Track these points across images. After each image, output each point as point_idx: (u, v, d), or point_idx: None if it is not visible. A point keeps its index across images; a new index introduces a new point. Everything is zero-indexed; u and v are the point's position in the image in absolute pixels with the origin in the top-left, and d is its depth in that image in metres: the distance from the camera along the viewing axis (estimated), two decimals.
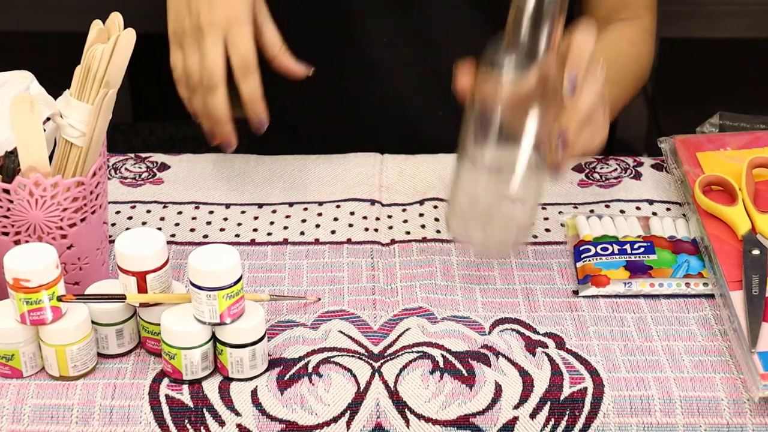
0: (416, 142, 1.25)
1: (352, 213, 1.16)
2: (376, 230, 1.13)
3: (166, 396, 0.94)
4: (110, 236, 1.09)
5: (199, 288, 0.92)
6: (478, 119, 0.99)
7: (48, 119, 0.97)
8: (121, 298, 0.95)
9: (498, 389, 0.95)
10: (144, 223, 1.15)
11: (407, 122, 1.28)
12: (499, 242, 1.03)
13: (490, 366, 0.97)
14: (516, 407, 0.94)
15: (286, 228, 1.14)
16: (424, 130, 1.28)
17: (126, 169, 1.23)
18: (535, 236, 1.13)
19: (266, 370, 0.96)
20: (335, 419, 0.93)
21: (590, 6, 1.32)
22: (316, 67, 1.17)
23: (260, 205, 1.17)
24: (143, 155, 1.25)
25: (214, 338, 0.95)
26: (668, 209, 1.17)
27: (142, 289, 0.94)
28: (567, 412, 0.94)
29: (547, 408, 0.94)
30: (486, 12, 1.24)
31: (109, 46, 0.95)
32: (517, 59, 0.97)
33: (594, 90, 0.97)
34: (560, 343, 1.00)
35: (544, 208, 1.17)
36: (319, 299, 1.04)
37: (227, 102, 1.08)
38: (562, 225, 1.15)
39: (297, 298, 1.04)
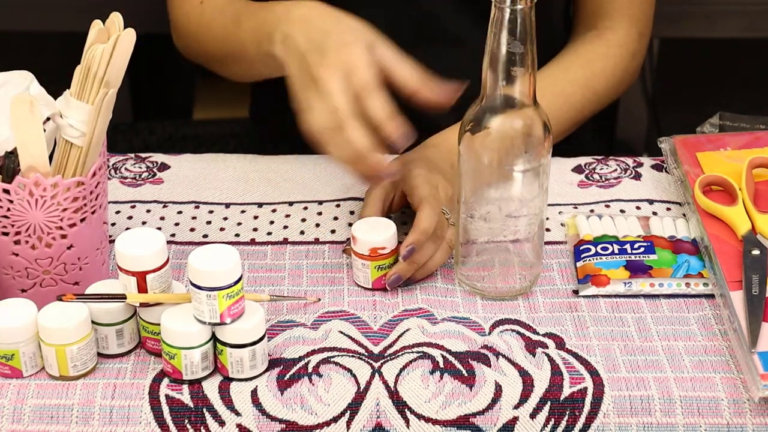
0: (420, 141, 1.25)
1: (351, 212, 1.16)
2: None
3: (166, 396, 0.94)
4: (110, 236, 1.09)
5: (199, 288, 0.92)
6: (469, 174, 1.01)
7: (48, 119, 0.97)
8: (122, 298, 0.95)
9: (498, 389, 0.95)
10: (144, 223, 1.15)
11: (418, 123, 1.28)
12: (508, 287, 1.05)
13: (490, 366, 0.97)
14: (516, 407, 0.94)
15: (286, 227, 1.14)
16: (430, 130, 1.28)
17: (126, 169, 1.23)
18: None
19: (266, 370, 0.96)
20: (335, 419, 0.93)
21: (575, 10, 1.31)
22: None
23: (260, 205, 1.17)
24: (143, 155, 1.25)
25: (214, 338, 0.95)
26: (668, 209, 1.17)
27: (142, 289, 0.94)
28: (567, 412, 0.94)
29: (547, 408, 0.94)
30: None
31: (109, 46, 0.95)
32: (494, 111, 0.99)
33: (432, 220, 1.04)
34: (560, 344, 1.00)
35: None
36: (319, 299, 1.05)
37: (364, 134, 0.99)
38: (562, 225, 1.15)
39: (297, 299, 1.04)
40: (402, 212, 1.13)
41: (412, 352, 0.98)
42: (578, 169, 1.23)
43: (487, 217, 1.02)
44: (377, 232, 1.05)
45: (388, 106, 1.00)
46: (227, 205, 1.17)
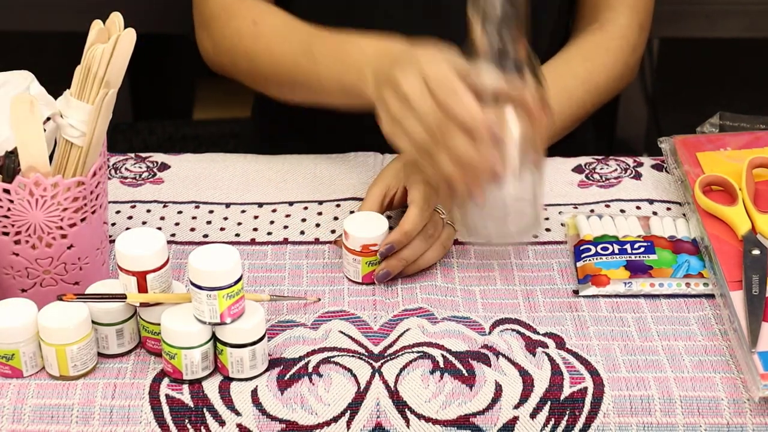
0: None
1: (352, 212, 1.16)
2: None
3: (167, 396, 0.94)
4: (110, 236, 1.09)
5: (199, 288, 0.92)
6: None
7: (48, 119, 0.97)
8: (122, 297, 0.95)
9: (498, 389, 0.95)
10: (144, 223, 1.15)
11: None
12: (510, 233, 1.06)
13: (490, 366, 0.97)
14: (516, 407, 0.94)
15: (286, 227, 1.14)
16: None
17: (126, 169, 1.23)
18: (535, 236, 1.13)
19: (266, 370, 0.96)
20: (335, 419, 0.93)
21: (578, 5, 1.31)
22: None
23: (260, 205, 1.17)
24: (143, 155, 1.25)
25: (214, 338, 0.95)
26: (668, 209, 1.17)
27: (142, 288, 0.94)
28: (567, 412, 0.94)
29: (547, 408, 0.94)
30: None
31: (109, 46, 0.95)
32: (485, 64, 0.99)
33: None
34: (560, 343, 1.00)
35: (544, 208, 1.17)
36: (319, 299, 1.05)
37: (472, 146, 0.96)
38: (562, 225, 1.15)
39: (297, 299, 1.04)
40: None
41: (413, 352, 0.98)
42: (578, 169, 1.23)
43: None
44: (369, 228, 1.06)
45: (477, 106, 0.96)
46: (227, 205, 1.17)
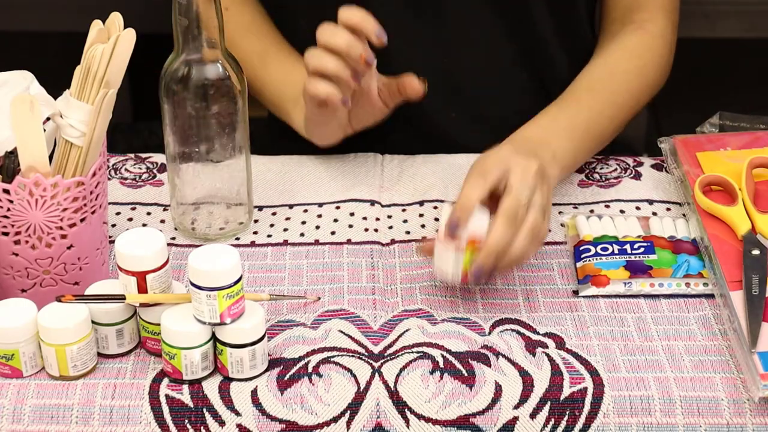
0: (426, 142, 1.25)
1: (351, 214, 1.16)
2: (376, 230, 1.13)
3: (166, 396, 0.94)
4: (110, 237, 1.09)
5: (199, 288, 0.92)
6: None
7: (48, 119, 0.97)
8: (121, 298, 0.95)
9: (498, 389, 0.95)
10: (144, 225, 1.15)
11: (420, 122, 1.27)
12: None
13: (490, 366, 0.97)
14: (516, 407, 0.94)
15: (286, 230, 1.14)
16: (436, 131, 1.27)
17: (126, 169, 1.23)
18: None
19: (266, 370, 0.96)
20: (335, 419, 0.93)
21: (606, 7, 1.29)
22: None
23: (260, 208, 1.17)
24: (143, 155, 1.25)
25: (214, 338, 0.95)
26: (668, 209, 1.17)
27: (142, 289, 0.94)
28: (567, 412, 0.94)
29: (547, 408, 0.94)
30: (502, 14, 1.24)
31: (109, 46, 0.95)
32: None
33: (505, 232, 0.99)
34: (560, 343, 1.00)
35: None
36: (319, 298, 1.05)
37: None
38: (562, 225, 1.15)
39: (297, 298, 1.04)
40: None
41: (412, 352, 0.98)
42: (578, 169, 1.23)
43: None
44: (473, 220, 1.00)
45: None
46: (227, 206, 1.17)
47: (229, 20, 1.17)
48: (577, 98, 1.19)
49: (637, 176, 1.22)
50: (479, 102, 1.27)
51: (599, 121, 1.18)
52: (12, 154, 0.97)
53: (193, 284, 0.92)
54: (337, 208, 1.17)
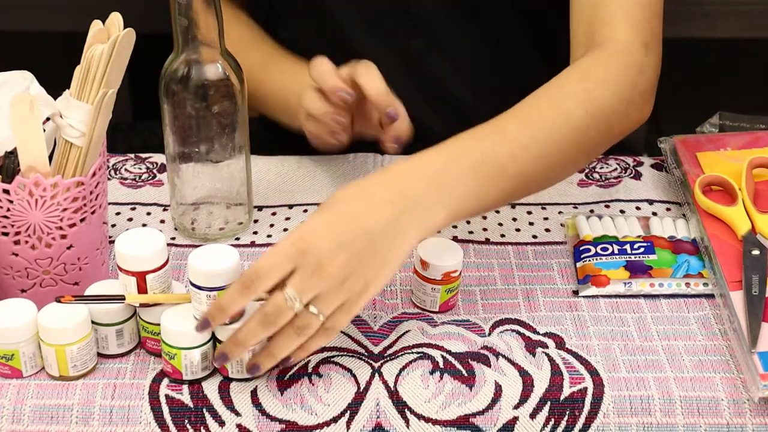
0: (425, 143, 1.25)
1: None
2: None
3: (166, 396, 0.94)
4: (110, 237, 1.09)
5: (199, 288, 0.92)
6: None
7: (48, 119, 0.97)
8: (121, 298, 0.95)
9: (498, 389, 0.95)
10: (144, 225, 1.15)
11: (415, 124, 1.28)
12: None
13: (490, 366, 0.97)
14: (516, 407, 0.94)
15: (286, 230, 1.14)
16: (428, 133, 1.27)
17: (126, 169, 1.23)
18: (534, 236, 1.13)
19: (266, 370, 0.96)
20: (335, 419, 0.93)
21: (572, 30, 1.14)
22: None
23: (260, 208, 1.17)
24: (143, 155, 1.25)
25: (213, 338, 0.95)
26: (668, 209, 1.17)
27: (142, 289, 0.94)
28: (567, 412, 0.94)
29: (547, 408, 0.94)
30: (481, 29, 1.24)
31: (109, 46, 0.95)
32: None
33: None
34: (560, 343, 1.00)
35: (543, 208, 1.17)
36: None
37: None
38: (562, 225, 1.15)
39: None
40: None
41: (412, 353, 0.98)
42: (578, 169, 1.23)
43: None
44: (448, 256, 1.01)
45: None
46: (227, 206, 1.17)
47: (229, 33, 1.18)
48: (501, 128, 0.99)
49: (637, 176, 1.22)
50: (464, 108, 1.27)
51: (520, 159, 0.97)
52: (12, 154, 0.97)
53: (193, 284, 0.92)
54: None
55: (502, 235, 1.13)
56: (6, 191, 0.95)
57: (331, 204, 0.92)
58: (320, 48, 1.13)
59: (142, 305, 0.96)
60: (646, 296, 1.05)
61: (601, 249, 1.08)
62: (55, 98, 0.98)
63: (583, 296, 1.05)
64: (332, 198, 0.93)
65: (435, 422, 0.93)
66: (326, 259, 0.88)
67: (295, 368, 0.96)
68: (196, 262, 0.92)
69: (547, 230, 1.14)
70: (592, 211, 1.16)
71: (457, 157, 0.95)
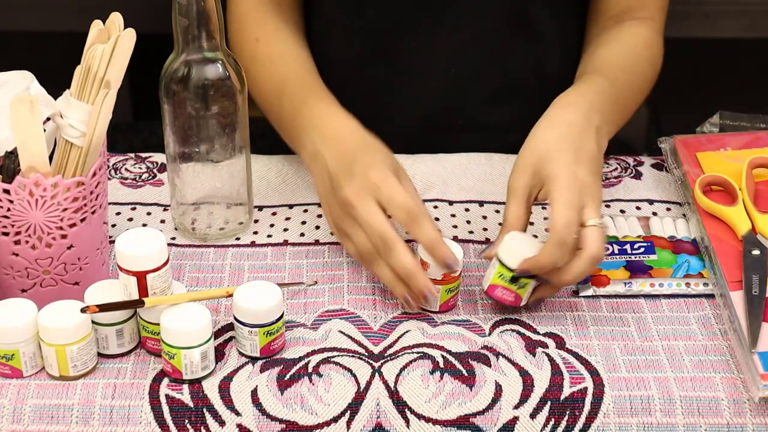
0: (431, 151, 1.25)
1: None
2: None
3: (166, 396, 0.94)
4: (110, 237, 1.09)
5: (242, 324, 0.95)
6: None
7: (48, 119, 0.97)
8: (140, 303, 0.95)
9: (498, 389, 0.95)
10: (144, 225, 1.14)
11: (426, 129, 1.28)
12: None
13: (490, 366, 0.97)
14: (516, 407, 0.94)
15: (286, 230, 1.14)
16: (442, 138, 1.27)
17: (126, 169, 1.23)
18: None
19: (266, 370, 0.96)
20: (335, 419, 0.93)
21: (604, 4, 1.26)
22: (349, 74, 1.22)
23: (260, 208, 1.17)
24: (143, 155, 1.25)
25: (213, 338, 0.95)
26: (668, 209, 1.17)
27: (142, 288, 0.94)
28: (567, 412, 0.94)
29: (547, 408, 0.94)
30: (510, 24, 1.24)
31: (109, 46, 0.95)
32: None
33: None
34: (560, 343, 1.00)
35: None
36: (316, 282, 1.05)
37: (411, 254, 0.99)
38: None
39: (294, 285, 1.05)
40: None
41: (412, 353, 0.98)
42: None
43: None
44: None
45: (436, 233, 1.00)
46: (227, 206, 1.17)
47: (258, 56, 1.17)
48: (614, 75, 1.16)
49: (638, 176, 1.22)
50: (480, 105, 1.27)
51: (628, 100, 1.17)
52: (12, 154, 0.97)
53: (236, 319, 0.96)
54: None
55: None
56: (6, 191, 0.95)
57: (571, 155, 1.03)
58: (353, 39, 1.12)
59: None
60: (646, 296, 1.05)
61: None
62: (55, 98, 0.98)
63: (584, 296, 1.05)
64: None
65: (435, 422, 0.93)
66: (592, 188, 1.01)
67: (295, 368, 0.96)
68: (241, 300, 0.96)
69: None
70: None
71: (594, 96, 1.10)
